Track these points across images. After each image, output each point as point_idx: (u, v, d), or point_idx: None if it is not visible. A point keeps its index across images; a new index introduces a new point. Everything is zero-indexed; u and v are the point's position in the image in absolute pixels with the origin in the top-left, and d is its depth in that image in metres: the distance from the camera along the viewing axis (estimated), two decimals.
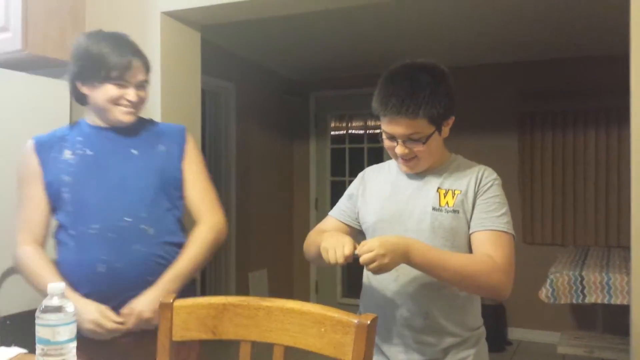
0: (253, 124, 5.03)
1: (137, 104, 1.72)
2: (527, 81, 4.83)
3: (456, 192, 1.52)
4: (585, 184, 4.69)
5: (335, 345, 1.13)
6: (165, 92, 2.52)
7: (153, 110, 2.49)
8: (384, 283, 1.55)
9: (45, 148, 1.73)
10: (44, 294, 1.63)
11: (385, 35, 4.14)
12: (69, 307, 1.10)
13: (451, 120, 1.53)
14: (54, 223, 1.74)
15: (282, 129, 5.55)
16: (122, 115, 1.70)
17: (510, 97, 4.86)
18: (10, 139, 2.39)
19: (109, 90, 1.67)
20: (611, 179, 4.60)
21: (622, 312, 3.84)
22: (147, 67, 1.74)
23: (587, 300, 3.30)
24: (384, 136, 1.52)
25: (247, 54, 4.74)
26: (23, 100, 2.44)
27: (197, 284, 1.86)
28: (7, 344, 1.83)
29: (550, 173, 4.78)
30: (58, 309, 1.08)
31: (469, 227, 1.51)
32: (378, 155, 5.34)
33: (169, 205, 1.74)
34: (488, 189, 1.51)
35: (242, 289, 4.79)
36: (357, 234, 1.69)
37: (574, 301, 3.32)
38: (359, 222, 1.67)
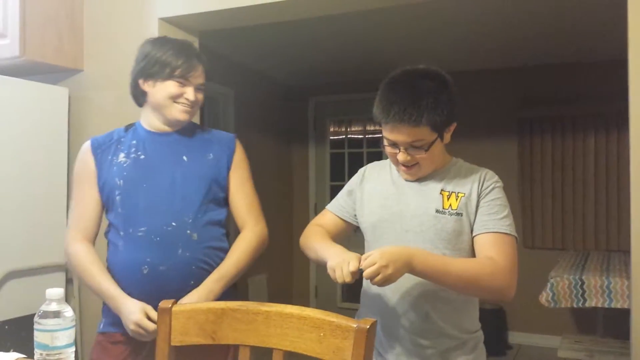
0: (252, 129, 5.04)
1: (194, 105, 1.77)
2: (527, 86, 4.84)
3: (460, 194, 1.51)
4: (584, 189, 4.69)
5: (335, 350, 1.13)
6: None
7: None
8: (380, 289, 1.54)
9: (102, 150, 1.79)
10: (94, 292, 1.70)
11: (384, 41, 4.15)
12: (68, 312, 1.10)
13: (453, 127, 1.53)
14: (105, 222, 1.80)
15: (281, 134, 5.55)
16: (179, 113, 1.74)
17: (510, 102, 4.87)
18: (8, 145, 2.39)
19: (171, 87, 1.73)
20: (611, 183, 4.60)
21: (622, 316, 3.83)
22: (206, 72, 1.81)
23: (587, 304, 3.29)
24: (385, 143, 1.51)
25: (246, 60, 4.75)
26: (21, 106, 2.44)
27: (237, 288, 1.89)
28: (6, 349, 1.83)
29: (550, 178, 4.78)
30: (56, 314, 1.08)
31: (472, 230, 1.51)
32: (377, 160, 5.34)
33: (215, 213, 1.77)
34: (490, 191, 1.51)
35: (242, 295, 4.75)
36: (354, 231, 1.69)
37: (575, 305, 3.31)
38: (356, 219, 1.66)
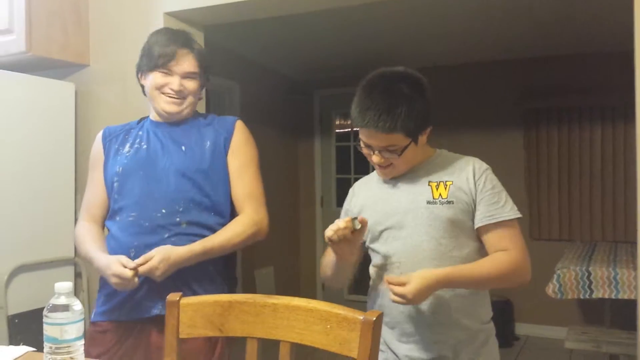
0: (257, 123, 5.01)
1: (182, 94, 1.76)
2: (533, 78, 4.81)
3: (448, 183, 1.54)
4: (591, 179, 4.67)
5: (341, 342, 1.13)
6: None
7: None
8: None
9: (111, 138, 1.84)
10: (88, 262, 1.75)
11: (388, 33, 4.13)
12: (77, 306, 1.10)
13: (428, 130, 1.55)
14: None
15: (287, 127, 5.55)
16: (165, 104, 1.76)
17: (516, 93, 4.84)
18: (16, 140, 2.41)
19: (155, 77, 1.75)
20: (617, 174, 4.58)
21: (629, 307, 3.82)
22: (200, 61, 1.79)
23: (594, 296, 3.29)
24: (361, 144, 1.55)
25: (251, 53, 4.74)
26: (28, 102, 2.45)
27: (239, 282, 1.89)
28: (16, 342, 1.85)
29: (557, 169, 4.77)
30: (65, 308, 1.09)
31: (467, 217, 1.53)
32: None
33: (210, 203, 1.75)
34: (485, 180, 1.54)
35: (249, 287, 4.80)
36: (363, 246, 1.69)
37: (581, 296, 3.31)
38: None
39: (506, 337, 4.60)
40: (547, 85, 4.77)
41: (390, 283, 1.41)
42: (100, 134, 1.88)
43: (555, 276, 3.37)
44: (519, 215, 1.53)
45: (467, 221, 1.53)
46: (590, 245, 4.33)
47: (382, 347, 1.59)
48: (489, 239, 1.52)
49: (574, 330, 3.63)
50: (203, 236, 1.71)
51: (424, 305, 1.52)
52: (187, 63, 1.75)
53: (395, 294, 1.39)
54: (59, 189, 2.58)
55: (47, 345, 1.09)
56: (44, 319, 1.09)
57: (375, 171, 1.66)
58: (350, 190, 1.76)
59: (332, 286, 1.69)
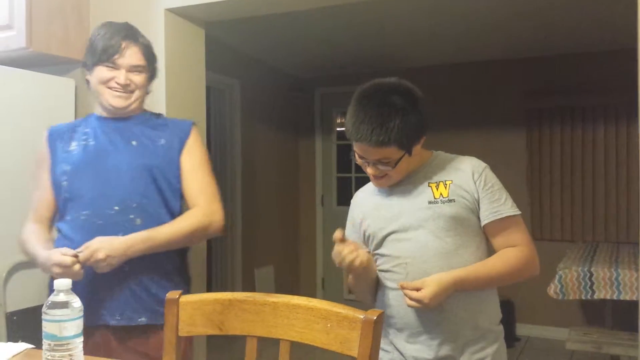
0: (258, 120, 5.03)
1: (128, 88, 1.74)
2: (535, 77, 4.81)
3: (447, 182, 1.55)
4: (593, 180, 4.66)
5: (342, 341, 1.13)
6: (170, 89, 2.52)
7: (158, 108, 2.49)
8: (396, 281, 1.55)
9: (55, 138, 1.80)
10: (34, 261, 1.70)
11: (389, 32, 4.12)
12: (76, 303, 1.10)
13: (422, 140, 1.55)
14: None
15: (288, 125, 5.55)
16: (112, 98, 1.73)
17: (518, 93, 4.83)
18: (15, 136, 2.40)
19: (100, 71, 1.72)
20: (620, 175, 4.57)
21: (631, 308, 3.81)
22: (146, 54, 1.76)
23: (596, 296, 3.28)
24: (356, 155, 1.56)
25: (252, 50, 4.73)
26: (28, 98, 2.44)
27: (203, 284, 1.87)
28: (15, 339, 1.84)
29: (559, 169, 4.76)
30: (64, 305, 1.08)
31: (471, 214, 1.53)
32: None
33: (163, 199, 1.74)
34: (485, 179, 1.55)
35: (249, 286, 4.80)
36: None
37: (583, 297, 3.30)
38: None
39: (507, 337, 4.56)
40: (549, 84, 4.76)
41: (404, 288, 1.43)
42: (45, 135, 1.83)
43: (557, 277, 3.36)
44: (519, 212, 1.55)
45: (470, 218, 1.53)
46: (592, 245, 4.32)
47: (387, 347, 1.59)
48: (497, 235, 1.54)
49: (575, 331, 3.62)
50: None
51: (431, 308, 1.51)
52: (132, 56, 1.73)
53: (412, 298, 1.42)
54: None
55: (46, 343, 1.08)
56: (43, 316, 1.08)
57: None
58: (352, 201, 1.76)
59: (365, 302, 1.70)
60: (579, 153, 4.70)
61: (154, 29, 2.51)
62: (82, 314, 1.11)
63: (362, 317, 1.10)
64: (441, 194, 1.53)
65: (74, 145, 1.76)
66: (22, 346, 1.33)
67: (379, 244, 1.59)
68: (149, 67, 1.78)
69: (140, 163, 1.72)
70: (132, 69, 1.73)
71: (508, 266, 1.52)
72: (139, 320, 1.70)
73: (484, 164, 1.58)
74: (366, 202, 1.68)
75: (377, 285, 1.63)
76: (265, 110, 5.14)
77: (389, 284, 1.57)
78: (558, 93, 4.70)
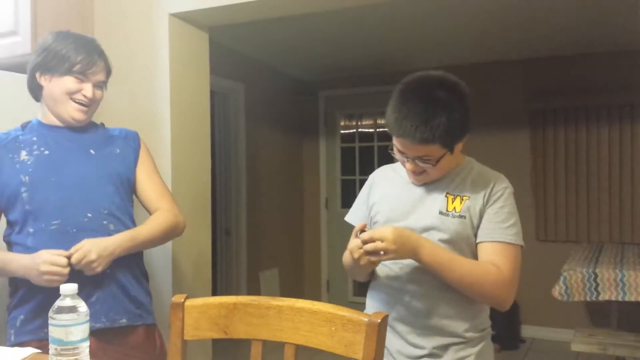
0: (262, 124, 5.04)
1: (92, 102, 1.77)
2: (539, 78, 4.80)
3: (464, 197, 1.51)
4: (598, 181, 4.65)
5: (346, 344, 1.13)
6: (174, 94, 2.53)
7: (162, 112, 2.50)
8: (389, 279, 1.55)
9: (0, 149, 1.73)
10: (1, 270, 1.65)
11: (393, 34, 4.13)
12: (82, 307, 1.10)
13: (465, 138, 1.50)
14: (2, 227, 1.75)
15: (292, 128, 5.55)
16: (75, 110, 1.74)
17: (522, 94, 4.83)
18: None
19: (68, 82, 1.72)
20: (624, 175, 4.56)
21: (636, 309, 3.80)
22: (108, 71, 1.81)
23: (600, 298, 3.27)
24: (395, 150, 1.51)
25: (256, 54, 4.75)
26: (33, 103, 2.45)
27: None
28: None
29: (563, 170, 4.75)
30: (71, 310, 1.09)
31: (474, 234, 1.50)
32: (388, 154, 5.32)
33: (125, 204, 1.79)
34: (498, 198, 1.50)
35: (254, 289, 4.80)
36: None
37: (588, 298, 3.29)
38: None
39: (512, 339, 4.58)
40: (553, 85, 4.75)
41: (364, 241, 1.37)
42: None
43: (561, 278, 3.35)
44: (521, 244, 1.48)
45: (471, 237, 1.50)
46: (596, 246, 4.31)
47: None
48: (484, 254, 1.48)
49: (580, 332, 3.61)
50: None
51: (417, 308, 1.50)
52: (101, 73, 1.77)
53: (376, 251, 1.36)
54: None
55: (52, 347, 1.09)
56: (50, 321, 1.09)
57: (398, 163, 1.62)
58: (370, 178, 1.71)
59: (354, 279, 1.68)
60: (583, 154, 4.69)
61: (158, 34, 2.52)
62: (88, 318, 1.11)
63: (366, 320, 1.11)
64: (454, 208, 1.50)
65: (24, 155, 1.71)
66: (29, 350, 1.34)
67: None
68: (106, 82, 1.83)
69: (105, 171, 1.76)
70: (98, 84, 1.77)
71: (476, 272, 1.44)
72: (121, 321, 1.73)
73: (505, 185, 1.53)
74: (386, 187, 1.64)
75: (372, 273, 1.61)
76: (269, 114, 5.15)
77: (381, 277, 1.57)
78: (562, 94, 4.70)
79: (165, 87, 2.50)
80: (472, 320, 1.53)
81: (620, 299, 3.25)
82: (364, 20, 3.74)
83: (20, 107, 2.40)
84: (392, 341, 1.55)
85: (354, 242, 1.41)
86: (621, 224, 4.57)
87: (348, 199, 5.53)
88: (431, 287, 1.50)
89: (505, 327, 4.38)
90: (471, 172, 1.56)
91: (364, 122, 5.65)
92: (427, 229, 1.50)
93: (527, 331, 4.79)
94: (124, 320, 1.73)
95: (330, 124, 5.71)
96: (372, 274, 1.63)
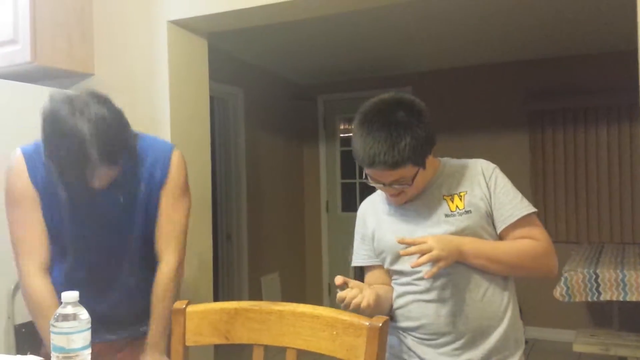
0: (262, 129, 5.05)
1: (110, 176, 1.55)
2: (537, 79, 4.81)
3: (462, 193, 1.53)
4: (598, 181, 4.66)
5: (348, 348, 1.13)
6: (174, 100, 2.53)
7: (162, 118, 2.51)
8: (417, 293, 1.54)
9: (35, 175, 1.59)
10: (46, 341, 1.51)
11: (391, 38, 4.14)
12: (83, 315, 1.11)
13: (432, 150, 1.51)
14: None
15: (291, 133, 5.56)
16: (98, 184, 1.54)
17: (521, 95, 4.84)
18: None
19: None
20: (624, 175, 4.57)
21: (638, 309, 3.80)
22: (110, 159, 1.47)
23: (602, 298, 3.27)
24: (369, 179, 1.51)
25: (255, 59, 4.76)
26: (33, 112, 2.46)
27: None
28: (23, 351, 1.85)
29: (563, 170, 4.75)
30: (72, 317, 1.09)
31: (488, 222, 1.51)
32: None
33: (150, 241, 1.69)
34: (496, 180, 1.53)
35: (255, 293, 4.80)
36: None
37: (589, 299, 3.29)
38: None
39: None
40: (552, 86, 4.76)
41: (405, 243, 1.40)
42: (21, 164, 1.59)
43: (562, 279, 3.35)
44: (535, 210, 1.53)
45: (487, 226, 1.52)
46: (597, 247, 4.31)
47: (406, 354, 1.58)
48: (514, 234, 1.51)
49: (582, 333, 3.61)
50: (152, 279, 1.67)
51: (456, 330, 1.50)
52: (103, 171, 1.51)
53: (420, 250, 1.37)
54: None
55: (54, 355, 1.09)
56: (51, 329, 1.09)
57: (377, 191, 1.64)
58: (359, 214, 1.72)
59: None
60: (583, 154, 4.70)
61: (157, 41, 2.53)
62: (89, 325, 1.12)
63: (367, 324, 1.11)
64: (457, 206, 1.51)
65: (62, 191, 1.58)
66: (31, 359, 1.34)
67: (394, 260, 1.57)
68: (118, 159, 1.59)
69: (130, 215, 1.64)
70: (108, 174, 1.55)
71: (523, 251, 1.48)
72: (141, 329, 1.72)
73: (492, 165, 1.57)
74: (376, 217, 1.63)
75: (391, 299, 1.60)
76: (268, 118, 5.16)
77: (410, 297, 1.55)
78: (560, 95, 4.71)
79: (165, 93, 2.51)
80: (509, 320, 1.53)
81: (621, 299, 3.25)
82: (362, 24, 3.75)
83: (19, 116, 2.41)
84: (428, 352, 1.54)
85: (338, 296, 1.36)
86: (622, 224, 4.58)
87: (349, 203, 5.53)
88: (454, 306, 1.50)
89: None
90: (453, 168, 1.59)
91: None
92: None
93: (529, 332, 4.78)
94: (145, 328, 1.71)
95: (329, 127, 5.72)
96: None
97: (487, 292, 1.50)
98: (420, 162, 1.46)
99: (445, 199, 1.53)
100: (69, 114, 1.40)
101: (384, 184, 1.49)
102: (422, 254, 1.36)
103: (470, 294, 1.49)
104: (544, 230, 1.53)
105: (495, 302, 1.51)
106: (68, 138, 1.39)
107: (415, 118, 1.44)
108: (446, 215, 1.51)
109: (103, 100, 1.47)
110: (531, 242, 1.49)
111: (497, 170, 1.56)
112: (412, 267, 1.41)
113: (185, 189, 1.74)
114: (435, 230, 1.50)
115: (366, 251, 1.66)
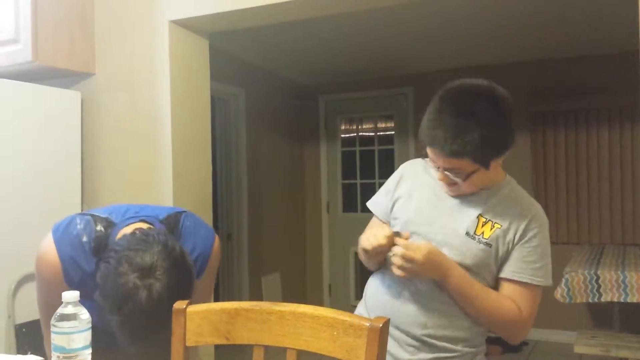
0: (263, 129, 5.05)
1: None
2: (539, 80, 4.81)
3: (496, 225, 1.42)
4: (599, 182, 4.65)
5: (348, 349, 1.13)
6: (175, 100, 2.54)
7: (163, 118, 2.51)
8: (389, 287, 1.51)
9: (73, 277, 1.40)
10: None
11: (393, 38, 4.14)
12: (84, 315, 1.11)
13: (503, 156, 1.41)
14: None
15: (292, 133, 5.56)
16: None
17: (522, 96, 4.83)
18: (22, 150, 2.42)
19: None
20: (625, 176, 4.56)
21: (638, 310, 3.80)
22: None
23: (603, 299, 3.26)
24: (429, 154, 1.42)
25: (256, 59, 4.76)
26: (34, 111, 2.47)
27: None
28: (23, 351, 1.85)
29: (564, 171, 4.75)
30: (73, 317, 1.09)
31: (495, 264, 1.43)
32: (389, 157, 5.33)
33: None
34: (534, 236, 1.42)
35: (256, 294, 4.80)
36: None
37: (590, 300, 3.29)
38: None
39: None
40: (553, 87, 4.76)
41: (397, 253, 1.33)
42: (55, 262, 1.40)
43: (563, 280, 3.35)
44: (549, 284, 1.44)
45: (492, 266, 1.44)
46: (598, 248, 4.31)
47: None
48: (507, 289, 1.43)
49: (583, 334, 3.61)
50: None
51: (413, 318, 1.45)
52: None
53: (405, 257, 1.32)
54: (64, 199, 2.59)
55: (54, 355, 1.09)
56: (52, 328, 1.09)
57: (427, 160, 1.53)
58: (398, 172, 1.61)
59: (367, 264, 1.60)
60: (584, 155, 4.69)
61: (159, 41, 2.53)
62: (90, 325, 1.11)
63: (368, 325, 1.11)
64: (483, 232, 1.41)
65: (98, 296, 1.28)
66: (31, 358, 1.34)
67: (401, 230, 1.49)
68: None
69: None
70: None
71: (497, 309, 1.40)
72: None
73: (544, 220, 1.46)
74: (415, 184, 1.55)
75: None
76: (269, 119, 5.16)
77: (381, 287, 1.53)
78: (562, 96, 4.70)
79: (166, 93, 2.51)
80: (464, 336, 1.46)
81: (622, 300, 3.24)
82: (364, 24, 3.75)
83: (21, 115, 2.41)
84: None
85: (375, 239, 1.37)
86: (623, 225, 4.57)
87: (349, 203, 5.53)
88: (427, 301, 1.44)
89: None
90: (509, 195, 1.48)
91: (364, 126, 5.66)
92: (446, 245, 1.43)
93: (530, 333, 4.75)
94: None
95: (330, 128, 5.72)
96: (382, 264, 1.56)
97: (453, 308, 1.44)
98: (483, 162, 1.35)
99: (478, 218, 1.43)
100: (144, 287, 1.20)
101: (438, 167, 1.41)
102: (404, 259, 1.33)
103: (432, 302, 1.43)
104: (535, 307, 1.45)
105: (458, 322, 1.44)
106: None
107: (495, 115, 1.33)
108: (467, 234, 1.42)
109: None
110: (513, 306, 1.41)
111: (543, 228, 1.44)
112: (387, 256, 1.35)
113: (216, 273, 1.63)
114: (450, 240, 1.43)
115: (385, 204, 1.59)
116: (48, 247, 1.43)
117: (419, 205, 1.50)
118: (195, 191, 2.63)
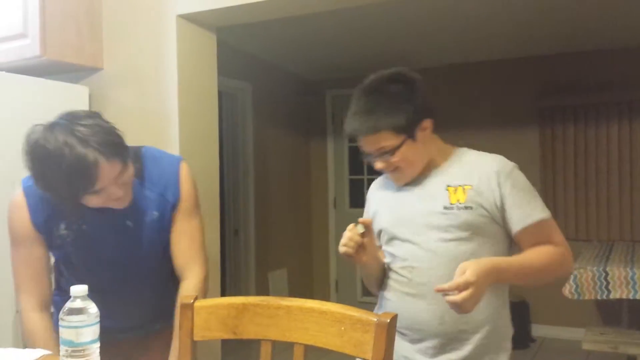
0: (270, 123, 5.05)
1: (125, 190, 1.47)
2: (548, 75, 4.78)
3: (466, 187, 1.45)
4: (608, 178, 4.62)
5: (356, 344, 1.13)
6: (182, 95, 2.53)
7: (170, 112, 2.51)
8: (399, 283, 1.52)
9: (39, 216, 1.53)
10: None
11: (401, 32, 4.12)
12: (92, 309, 1.11)
13: (427, 123, 1.46)
14: None
15: (299, 128, 5.56)
16: (115, 206, 1.49)
17: (531, 91, 4.81)
18: None
19: (93, 200, 1.44)
20: (635, 173, 4.53)
21: None
22: (120, 159, 1.40)
23: (611, 296, 3.25)
24: (363, 155, 1.50)
25: (263, 54, 4.75)
26: (42, 106, 2.47)
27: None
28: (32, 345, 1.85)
29: (573, 167, 4.72)
30: (81, 311, 1.09)
31: (490, 222, 1.45)
32: None
33: (166, 265, 1.65)
34: (512, 182, 1.45)
35: (262, 289, 4.81)
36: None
37: (599, 297, 3.27)
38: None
39: (522, 338, 4.56)
40: (562, 82, 4.73)
41: (442, 291, 1.25)
42: (21, 201, 1.53)
43: (571, 277, 3.33)
44: (549, 213, 1.49)
45: (487, 225, 1.45)
46: (607, 245, 4.28)
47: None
48: (531, 240, 1.46)
49: (591, 331, 3.59)
50: (172, 302, 1.60)
51: (430, 314, 1.45)
52: (111, 171, 1.40)
53: (458, 286, 1.23)
54: None
55: (63, 349, 1.09)
56: (60, 322, 1.09)
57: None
58: (368, 194, 1.71)
59: (372, 291, 1.65)
60: (593, 151, 4.66)
61: (166, 35, 2.53)
62: (98, 319, 1.12)
63: (375, 320, 1.11)
64: (458, 199, 1.44)
65: (63, 230, 1.54)
66: (39, 352, 1.34)
67: (388, 241, 1.55)
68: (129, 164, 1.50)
69: (141, 243, 1.59)
70: (117, 179, 1.44)
71: (546, 261, 1.44)
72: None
73: (511, 165, 1.48)
74: (379, 196, 1.62)
75: (383, 278, 1.58)
76: (277, 113, 5.15)
77: (392, 283, 1.54)
78: (571, 91, 4.67)
79: (173, 87, 2.51)
80: (496, 325, 1.50)
81: (631, 297, 3.23)
82: (371, 19, 3.74)
83: (29, 110, 2.41)
84: (405, 346, 1.52)
85: (342, 238, 1.44)
86: (632, 222, 4.54)
87: (356, 199, 5.53)
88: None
89: (516, 326, 4.35)
90: (467, 159, 1.52)
91: None
92: (432, 229, 1.46)
93: (538, 330, 4.76)
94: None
95: (337, 123, 5.70)
96: (382, 284, 1.60)
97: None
98: (405, 131, 1.42)
99: (447, 190, 1.47)
100: (51, 135, 1.39)
101: (370, 155, 1.47)
102: (459, 289, 1.24)
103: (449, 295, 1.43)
104: (560, 232, 1.49)
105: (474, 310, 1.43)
106: (56, 154, 1.35)
107: (404, 89, 1.44)
108: (444, 207, 1.45)
109: (89, 115, 1.45)
110: (551, 249, 1.46)
111: (515, 170, 1.48)
112: (436, 292, 1.28)
113: (197, 204, 1.69)
114: (433, 221, 1.46)
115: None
116: (17, 193, 1.56)
117: (389, 211, 1.56)
118: (202, 185, 2.62)
